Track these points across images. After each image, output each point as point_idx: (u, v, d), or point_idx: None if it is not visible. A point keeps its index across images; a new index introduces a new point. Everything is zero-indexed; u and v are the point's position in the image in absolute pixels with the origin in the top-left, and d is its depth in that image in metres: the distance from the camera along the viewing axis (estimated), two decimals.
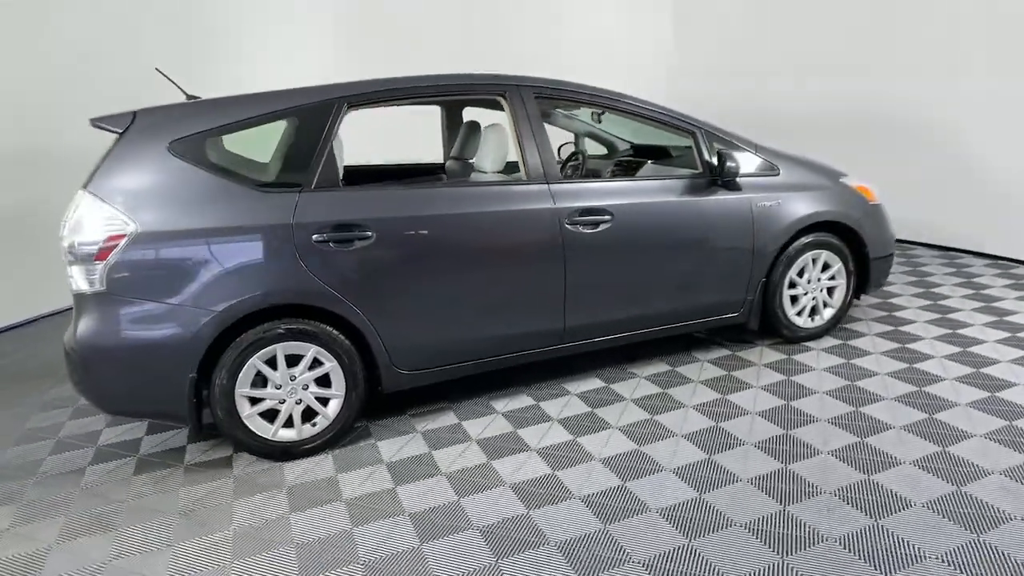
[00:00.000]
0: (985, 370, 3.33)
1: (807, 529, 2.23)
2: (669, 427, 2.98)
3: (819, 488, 2.46)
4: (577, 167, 4.42)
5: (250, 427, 2.77)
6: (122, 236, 2.52)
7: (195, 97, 3.07)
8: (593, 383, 3.46)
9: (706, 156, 3.43)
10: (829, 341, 3.82)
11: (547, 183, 3.10)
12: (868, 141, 6.02)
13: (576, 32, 7.73)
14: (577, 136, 4.63)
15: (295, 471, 2.79)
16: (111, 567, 2.26)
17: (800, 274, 3.69)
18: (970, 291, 4.57)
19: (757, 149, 3.58)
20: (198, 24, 5.85)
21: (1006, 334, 3.76)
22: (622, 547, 2.20)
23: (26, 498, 2.71)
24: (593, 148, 4.72)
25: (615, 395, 3.31)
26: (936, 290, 4.63)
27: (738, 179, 3.45)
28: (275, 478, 2.74)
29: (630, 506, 2.42)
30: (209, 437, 3.07)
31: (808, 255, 3.65)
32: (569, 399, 3.30)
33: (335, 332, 2.82)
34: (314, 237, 2.71)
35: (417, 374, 3.02)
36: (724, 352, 3.76)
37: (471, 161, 3.68)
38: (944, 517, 2.25)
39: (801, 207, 3.56)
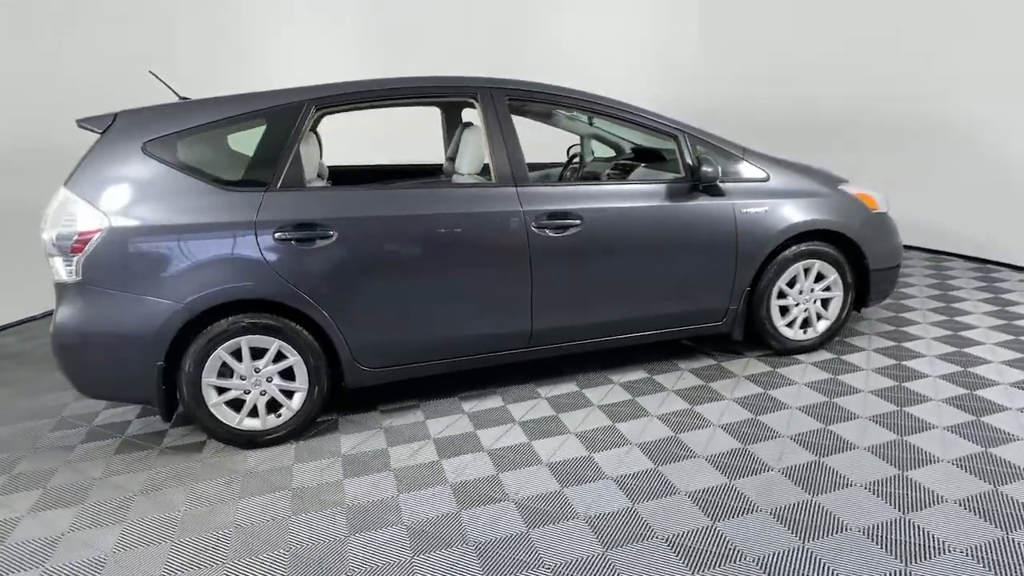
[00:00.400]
0: (980, 392, 3.12)
1: (728, 547, 2.17)
2: (626, 435, 2.94)
3: (756, 506, 2.38)
4: (576, 169, 4.41)
5: (216, 415, 2.91)
6: (97, 231, 2.70)
7: (186, 99, 3.25)
8: (567, 387, 3.45)
9: (688, 160, 3.35)
10: (822, 355, 3.66)
11: (515, 186, 3.11)
12: (906, 149, 5.70)
13: (578, 33, 7.63)
14: (583, 138, 4.60)
15: (256, 459, 2.92)
16: (67, 538, 2.44)
17: (792, 284, 3.55)
18: (995, 307, 4.27)
19: (745, 153, 3.47)
20: (198, 26, 6.06)
21: (1017, 355, 3.51)
22: (537, 552, 2.21)
23: (16, 470, 2.95)
24: (601, 151, 4.69)
25: (584, 400, 3.29)
26: (957, 305, 4.36)
27: (722, 184, 3.36)
28: (236, 465, 2.88)
29: (559, 511, 2.42)
30: (189, 423, 3.25)
31: (799, 265, 3.51)
32: (538, 402, 3.31)
33: (298, 327, 2.93)
34: (276, 235, 2.82)
35: (380, 371, 3.09)
36: (709, 362, 3.67)
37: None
38: (877, 544, 2.14)
39: (791, 214, 3.43)
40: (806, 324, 3.66)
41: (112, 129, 2.80)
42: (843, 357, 3.62)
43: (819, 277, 3.59)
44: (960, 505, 2.31)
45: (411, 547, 2.27)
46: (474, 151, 3.35)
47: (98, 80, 5.09)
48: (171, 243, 2.75)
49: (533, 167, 4.61)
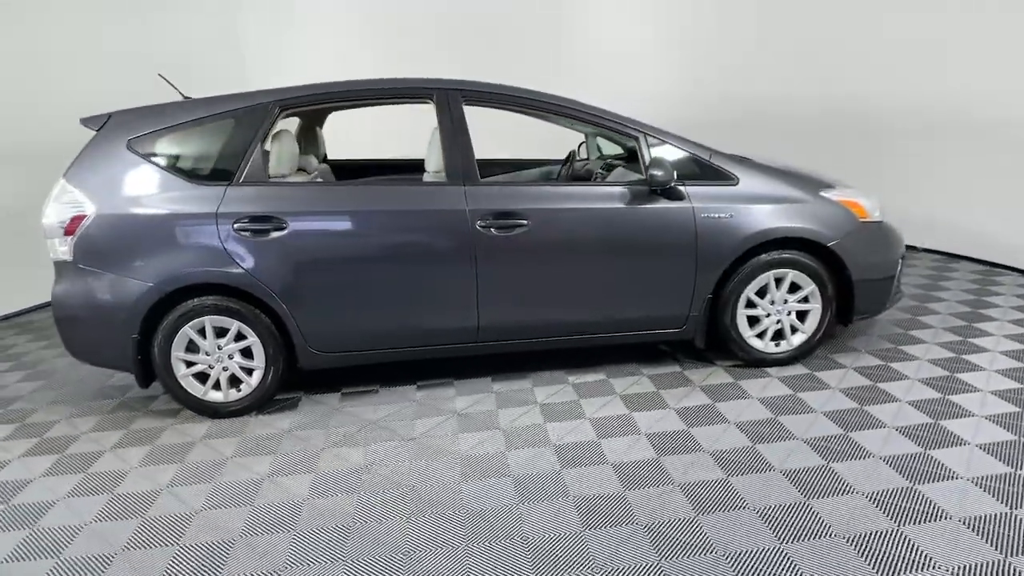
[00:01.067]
0: (945, 422, 2.85)
1: (586, 555, 2.17)
2: (550, 435, 2.96)
3: (635, 519, 2.35)
4: (570, 166, 4.40)
5: (184, 386, 3.24)
6: (85, 216, 3.07)
7: (189, 99, 3.58)
8: (520, 384, 3.50)
9: (647, 163, 3.28)
10: (795, 369, 3.46)
11: (463, 184, 3.19)
12: (961, 153, 5.15)
13: (581, 34, 7.39)
14: (587, 137, 4.56)
15: (216, 428, 3.22)
16: (38, 482, 2.84)
17: (763, 294, 3.39)
18: (1023, 330, 3.82)
19: (712, 155, 3.33)
20: (205, 24, 6.42)
21: (1014, 385, 3.14)
22: (410, 537, 2.31)
23: (29, 420, 3.43)
24: (611, 149, 4.62)
25: (531, 398, 3.34)
26: (981, 324, 3.93)
27: (683, 187, 3.26)
28: (197, 431, 3.20)
29: (449, 501, 2.50)
30: None
31: (770, 274, 3.34)
32: (485, 396, 3.39)
33: (256, 311, 3.18)
34: (235, 226, 3.08)
35: (332, 356, 3.29)
36: (673, 368, 3.58)
37: None
38: (734, 570, 2.07)
39: (758, 221, 3.26)
40: (779, 336, 3.47)
41: (105, 127, 3.17)
42: (817, 373, 3.41)
43: (796, 288, 3.40)
44: (848, 542, 2.16)
45: (299, 521, 2.45)
46: (438, 150, 3.45)
47: (106, 81, 5.45)
48: (145, 229, 3.09)
49: (534, 163, 4.67)
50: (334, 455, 2.91)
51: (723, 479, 2.55)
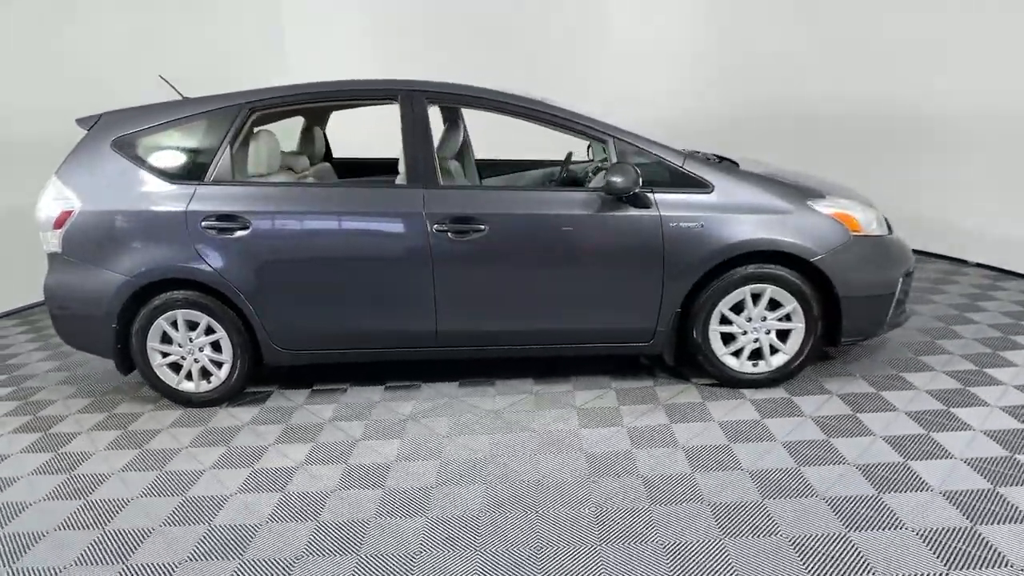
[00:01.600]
0: (914, 463, 2.55)
1: (467, 570, 2.11)
2: (492, 447, 2.89)
3: (541, 540, 2.25)
4: (567, 168, 4.27)
5: (159, 375, 3.39)
6: (72, 211, 3.27)
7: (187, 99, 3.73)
8: (484, 389, 3.45)
9: (610, 168, 3.11)
10: (773, 392, 3.21)
11: (422, 187, 3.16)
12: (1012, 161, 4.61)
13: (579, 36, 7.08)
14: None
15: (185, 416, 3.37)
16: (14, 458, 3.06)
17: (741, 310, 3.16)
18: None
19: (687, 161, 3.13)
20: (204, 24, 6.53)
21: (1015, 425, 2.78)
22: (292, 543, 2.32)
23: (33, 398, 3.71)
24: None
25: (489, 404, 3.28)
26: (1009, 353, 3.48)
27: (651, 195, 3.08)
28: (168, 419, 3.35)
29: (361, 508, 2.49)
30: None
31: (746, 289, 3.11)
32: (446, 401, 3.35)
33: (224, 307, 3.29)
34: (203, 224, 3.19)
35: (295, 353, 3.36)
36: (644, 383, 3.41)
37: (448, 158, 3.81)
38: None
39: (732, 232, 3.04)
40: (758, 355, 3.23)
41: (95, 127, 3.35)
42: (795, 398, 3.14)
43: (778, 305, 3.15)
44: None
45: (211, 514, 2.51)
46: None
47: (106, 78, 5.53)
48: (122, 225, 3.25)
49: (539, 164, 4.57)
50: (279, 452, 2.97)
51: (645, 508, 2.40)
